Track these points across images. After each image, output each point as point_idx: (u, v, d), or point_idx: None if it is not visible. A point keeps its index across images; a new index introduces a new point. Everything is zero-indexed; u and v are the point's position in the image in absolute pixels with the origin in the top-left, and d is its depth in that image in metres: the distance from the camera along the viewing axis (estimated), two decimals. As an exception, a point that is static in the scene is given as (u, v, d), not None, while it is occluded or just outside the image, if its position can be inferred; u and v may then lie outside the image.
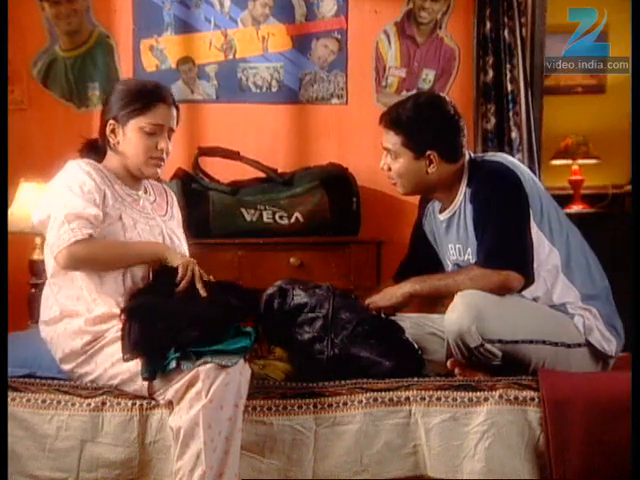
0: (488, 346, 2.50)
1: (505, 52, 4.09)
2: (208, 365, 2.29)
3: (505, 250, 2.57)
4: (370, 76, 4.24)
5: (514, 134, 4.07)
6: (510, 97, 4.09)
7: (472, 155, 2.79)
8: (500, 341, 2.51)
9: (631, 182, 2.47)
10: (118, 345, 2.42)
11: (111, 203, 2.55)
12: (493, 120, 4.11)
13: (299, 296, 2.70)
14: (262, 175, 3.94)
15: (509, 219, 2.60)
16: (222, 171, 4.00)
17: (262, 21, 4.21)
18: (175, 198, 2.89)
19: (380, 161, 2.78)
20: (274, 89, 4.22)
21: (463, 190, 2.72)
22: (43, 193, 2.78)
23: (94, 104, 4.17)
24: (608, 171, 5.70)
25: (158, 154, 2.61)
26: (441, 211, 2.83)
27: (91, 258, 2.47)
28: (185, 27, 4.20)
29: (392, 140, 2.71)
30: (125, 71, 4.19)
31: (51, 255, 2.52)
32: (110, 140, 2.62)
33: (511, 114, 4.09)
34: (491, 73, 4.11)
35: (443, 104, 2.77)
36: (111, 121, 2.61)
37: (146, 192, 2.74)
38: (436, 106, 2.75)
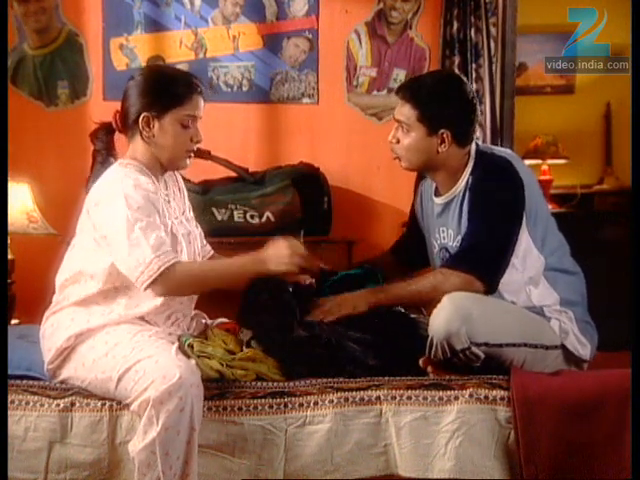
0: (474, 349, 2.45)
1: (471, 52, 4.11)
2: (159, 390, 2.23)
3: (475, 254, 2.54)
4: (341, 75, 4.24)
5: (477, 134, 4.07)
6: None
7: (480, 145, 2.75)
8: (486, 344, 2.46)
9: (632, 182, 2.46)
10: (91, 345, 2.43)
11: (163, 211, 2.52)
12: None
13: None
14: (233, 174, 3.93)
15: (494, 219, 2.55)
16: (193, 170, 3.88)
17: (233, 20, 4.20)
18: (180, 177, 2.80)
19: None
20: (245, 88, 4.21)
21: (466, 178, 2.67)
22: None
23: (63, 103, 4.15)
24: (577, 171, 5.74)
25: (192, 147, 2.56)
26: (437, 194, 2.77)
27: (193, 282, 2.46)
28: (155, 26, 4.18)
29: (407, 113, 2.65)
30: (95, 70, 4.16)
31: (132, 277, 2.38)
32: (144, 133, 2.50)
33: (476, 114, 4.10)
34: (458, 73, 4.12)
35: (463, 84, 2.72)
36: (145, 113, 2.49)
37: (166, 187, 2.67)
38: (457, 85, 2.70)
